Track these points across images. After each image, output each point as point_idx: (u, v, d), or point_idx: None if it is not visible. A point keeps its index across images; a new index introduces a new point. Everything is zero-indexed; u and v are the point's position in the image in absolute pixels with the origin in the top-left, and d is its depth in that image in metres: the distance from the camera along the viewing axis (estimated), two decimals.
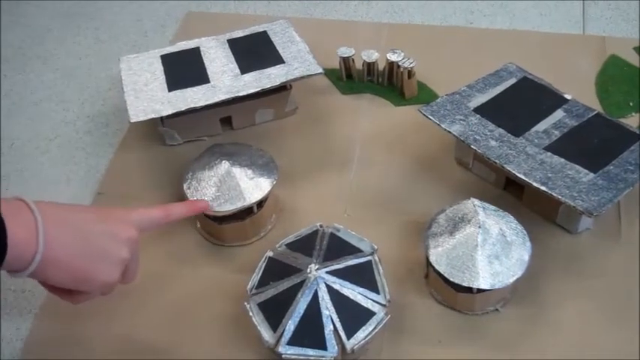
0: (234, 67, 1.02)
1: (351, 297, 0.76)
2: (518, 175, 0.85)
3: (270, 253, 0.83)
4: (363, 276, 0.79)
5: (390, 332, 0.80)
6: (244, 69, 1.02)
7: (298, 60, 1.02)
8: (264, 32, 1.09)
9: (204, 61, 1.04)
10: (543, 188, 0.83)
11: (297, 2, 1.32)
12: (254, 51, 1.05)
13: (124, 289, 0.85)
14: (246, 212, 0.89)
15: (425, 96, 1.08)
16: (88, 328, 0.84)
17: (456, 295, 0.81)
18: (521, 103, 0.95)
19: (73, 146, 1.08)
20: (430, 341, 0.80)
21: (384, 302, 0.78)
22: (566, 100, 0.96)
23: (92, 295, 0.72)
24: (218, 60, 1.04)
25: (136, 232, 0.72)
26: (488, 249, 0.78)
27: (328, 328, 0.74)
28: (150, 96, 0.98)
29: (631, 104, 1.05)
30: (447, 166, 0.99)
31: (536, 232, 0.86)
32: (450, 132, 0.91)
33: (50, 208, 0.66)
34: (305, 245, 0.82)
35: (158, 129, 1.04)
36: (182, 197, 0.89)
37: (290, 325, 0.74)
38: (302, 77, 0.99)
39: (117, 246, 0.69)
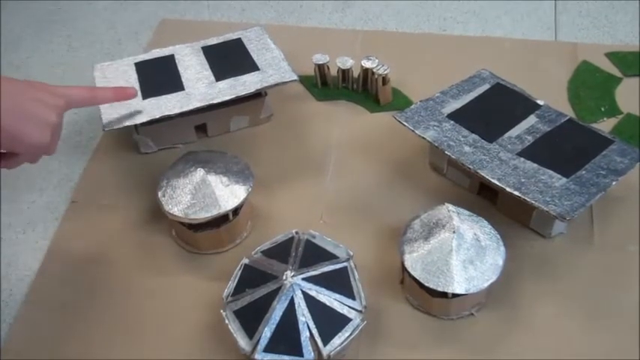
0: (208, 74, 1.02)
1: (327, 303, 0.76)
2: (492, 180, 0.86)
3: (245, 261, 0.83)
4: (338, 282, 0.79)
5: (366, 338, 0.80)
6: (219, 76, 1.01)
7: (273, 67, 1.02)
8: (239, 39, 1.09)
9: (179, 69, 1.04)
10: (517, 193, 0.84)
11: (271, 9, 1.33)
12: (229, 58, 1.05)
13: (102, 299, 0.85)
14: (222, 220, 0.88)
15: (399, 102, 1.09)
16: (64, 336, 0.83)
17: (431, 300, 0.81)
18: (494, 109, 0.96)
19: None
20: (406, 347, 0.81)
21: (360, 308, 0.78)
22: (538, 106, 0.97)
23: (24, 158, 0.78)
24: (192, 67, 1.04)
25: (63, 101, 0.78)
26: (463, 254, 0.79)
27: (304, 335, 0.74)
28: (124, 104, 0.97)
29: (602, 109, 1.06)
30: (422, 171, 1.00)
31: (510, 237, 0.86)
32: (424, 138, 0.91)
33: None
34: (281, 252, 0.82)
35: (132, 137, 1.03)
36: (157, 205, 0.88)
37: (266, 332, 0.74)
38: (277, 84, 0.99)
39: (46, 110, 0.75)
